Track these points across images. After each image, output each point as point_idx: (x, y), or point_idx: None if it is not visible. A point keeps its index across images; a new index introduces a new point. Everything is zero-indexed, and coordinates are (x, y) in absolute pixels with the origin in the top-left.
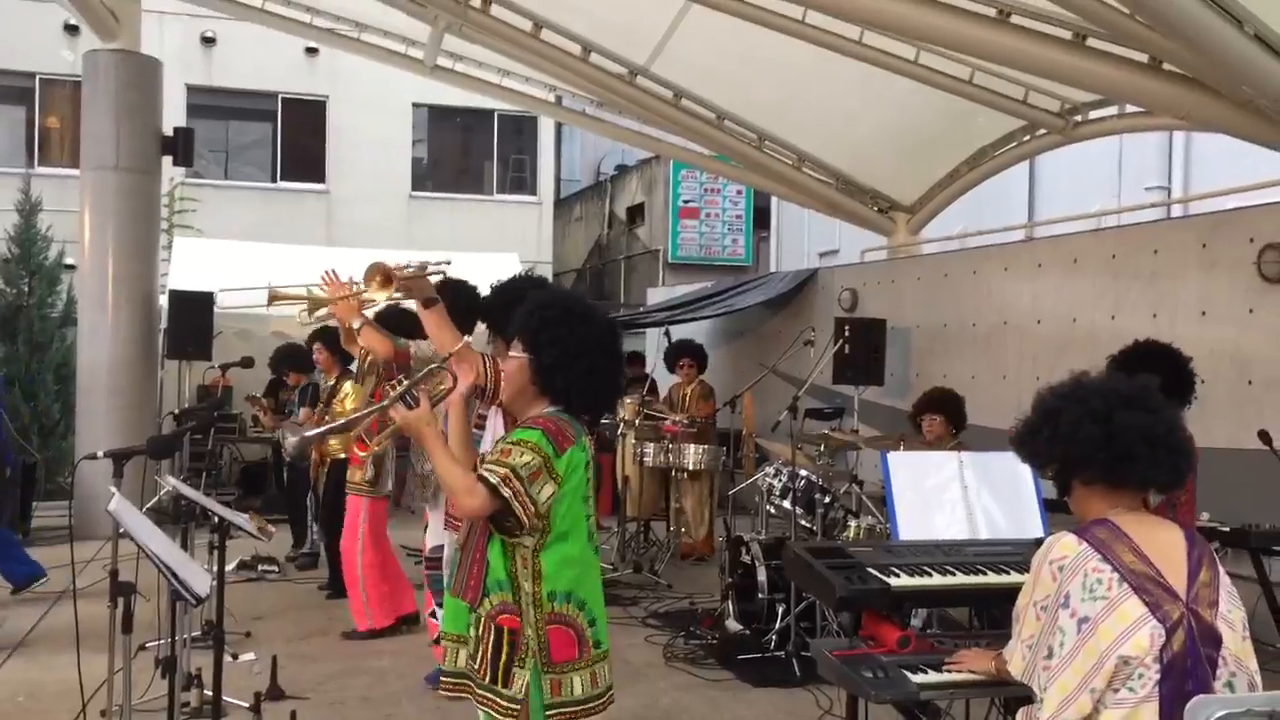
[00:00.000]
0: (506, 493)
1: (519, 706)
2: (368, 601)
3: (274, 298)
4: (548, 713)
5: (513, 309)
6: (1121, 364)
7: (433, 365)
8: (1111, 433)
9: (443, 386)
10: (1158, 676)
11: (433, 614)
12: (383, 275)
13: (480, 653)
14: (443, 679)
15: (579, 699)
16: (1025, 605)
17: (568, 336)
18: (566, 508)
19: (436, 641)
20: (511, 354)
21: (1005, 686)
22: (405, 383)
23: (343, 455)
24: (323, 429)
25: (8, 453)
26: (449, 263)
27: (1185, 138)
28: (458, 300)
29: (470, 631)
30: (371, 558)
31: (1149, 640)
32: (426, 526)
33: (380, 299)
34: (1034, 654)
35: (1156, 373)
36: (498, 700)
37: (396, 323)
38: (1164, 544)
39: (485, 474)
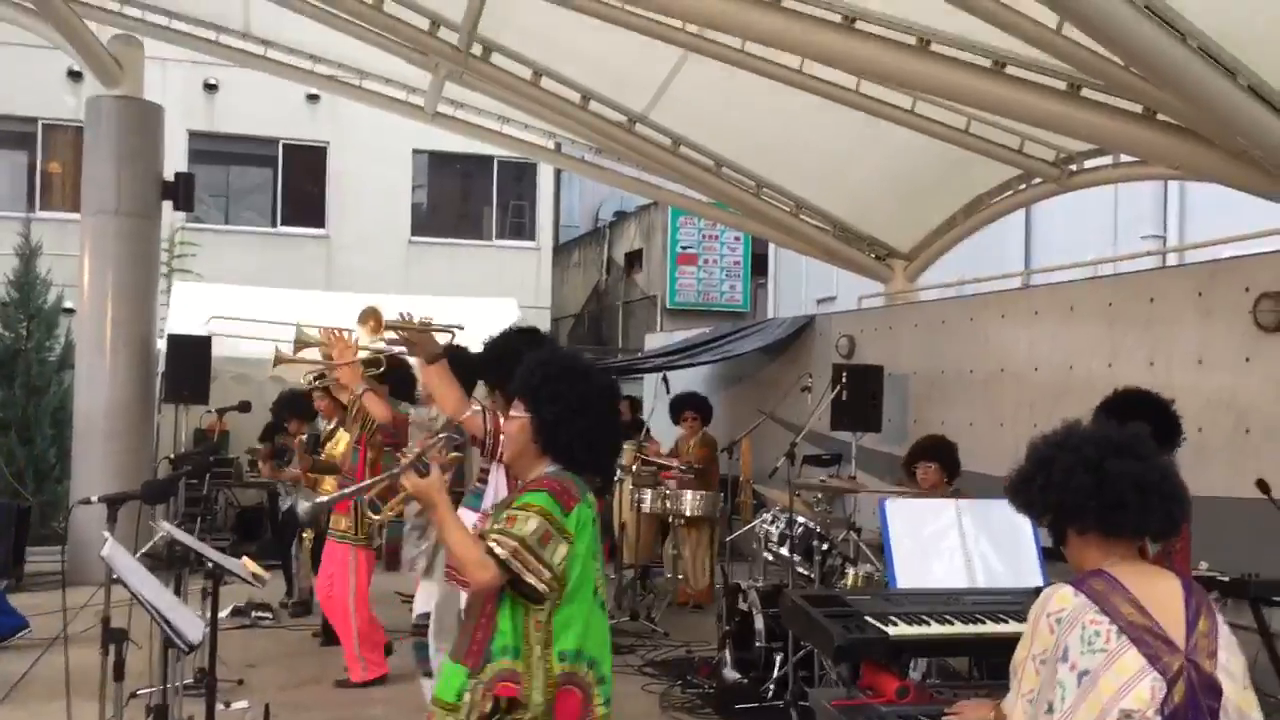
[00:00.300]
0: (516, 566)
1: None
2: (363, 655)
3: (279, 360)
4: None
5: (506, 362)
6: (1108, 412)
7: (444, 435)
8: (1103, 481)
9: (454, 454)
10: None
11: (428, 673)
12: (374, 320)
13: (468, 718)
14: None
15: None
16: (1024, 659)
17: (568, 393)
18: (580, 566)
19: None
20: (512, 414)
21: None
22: (416, 450)
23: None
24: (335, 496)
25: None
26: (461, 328)
27: (1180, 187)
28: (456, 364)
29: (464, 698)
30: (363, 607)
31: (1149, 693)
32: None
33: (368, 341)
34: (1035, 708)
35: (1142, 419)
36: None
37: (396, 380)
38: (1162, 594)
39: (493, 546)
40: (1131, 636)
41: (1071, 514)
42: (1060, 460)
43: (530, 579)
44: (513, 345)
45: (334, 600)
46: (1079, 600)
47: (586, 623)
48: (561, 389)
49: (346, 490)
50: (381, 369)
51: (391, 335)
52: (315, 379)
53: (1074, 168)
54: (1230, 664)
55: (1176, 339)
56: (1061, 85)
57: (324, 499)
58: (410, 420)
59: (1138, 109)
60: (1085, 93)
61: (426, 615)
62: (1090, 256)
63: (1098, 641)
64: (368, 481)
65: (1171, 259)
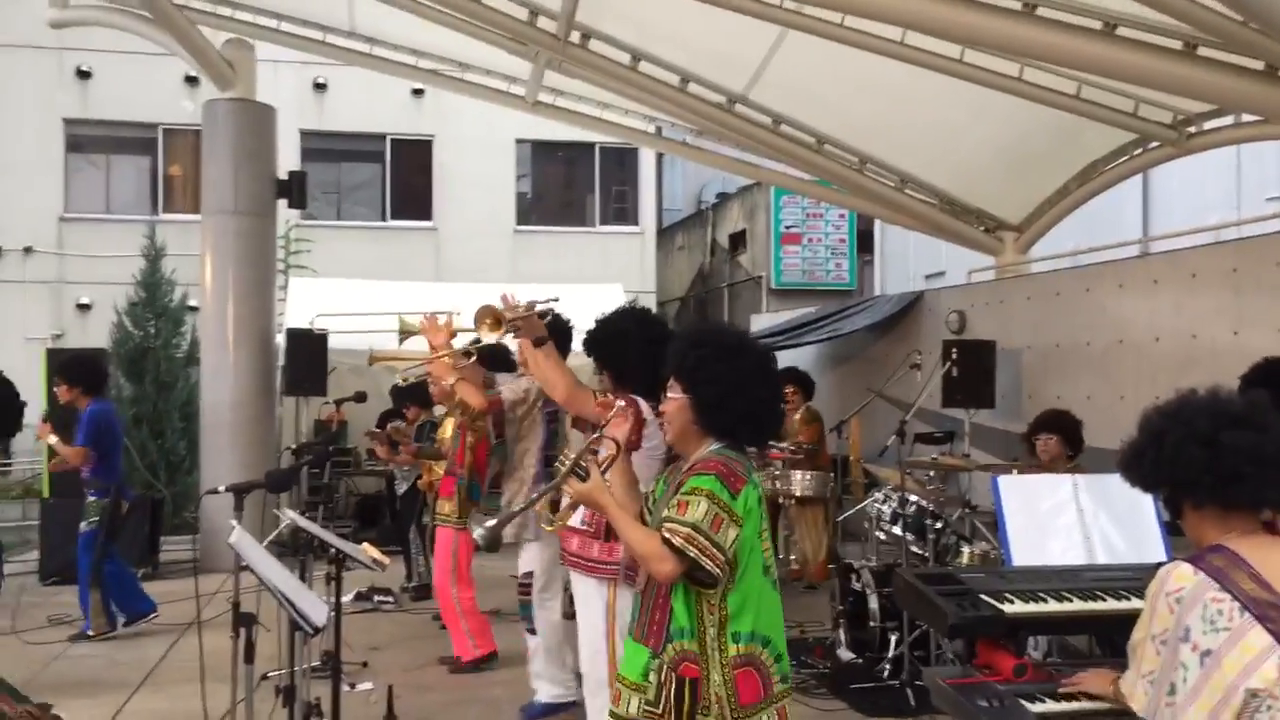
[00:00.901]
0: (693, 552)
1: None
2: (470, 632)
3: (374, 359)
4: None
5: (616, 342)
6: (1254, 383)
7: (594, 436)
8: (1217, 454)
9: (608, 454)
10: None
11: (531, 630)
12: (492, 318)
13: (663, 701)
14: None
15: None
16: (1142, 639)
17: (726, 372)
18: (749, 548)
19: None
20: (670, 395)
21: (1128, 716)
22: (573, 456)
23: None
24: (505, 516)
25: (125, 489)
26: (557, 299)
27: None
28: (552, 335)
29: (650, 678)
30: (465, 589)
31: (1276, 671)
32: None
33: (491, 340)
34: (1157, 689)
35: None
36: None
37: (490, 357)
38: None
39: (668, 536)
40: (1255, 613)
41: (1185, 489)
42: (1172, 433)
43: (707, 563)
44: (622, 326)
45: (439, 583)
46: (1199, 578)
47: (759, 603)
48: (719, 368)
49: (520, 508)
50: (472, 358)
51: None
52: (405, 379)
53: (1192, 130)
54: None
55: None
56: (1177, 45)
57: (492, 522)
58: (505, 401)
59: (1259, 66)
60: (1202, 51)
61: (530, 574)
62: (1213, 221)
63: (1220, 620)
64: (536, 495)
65: None
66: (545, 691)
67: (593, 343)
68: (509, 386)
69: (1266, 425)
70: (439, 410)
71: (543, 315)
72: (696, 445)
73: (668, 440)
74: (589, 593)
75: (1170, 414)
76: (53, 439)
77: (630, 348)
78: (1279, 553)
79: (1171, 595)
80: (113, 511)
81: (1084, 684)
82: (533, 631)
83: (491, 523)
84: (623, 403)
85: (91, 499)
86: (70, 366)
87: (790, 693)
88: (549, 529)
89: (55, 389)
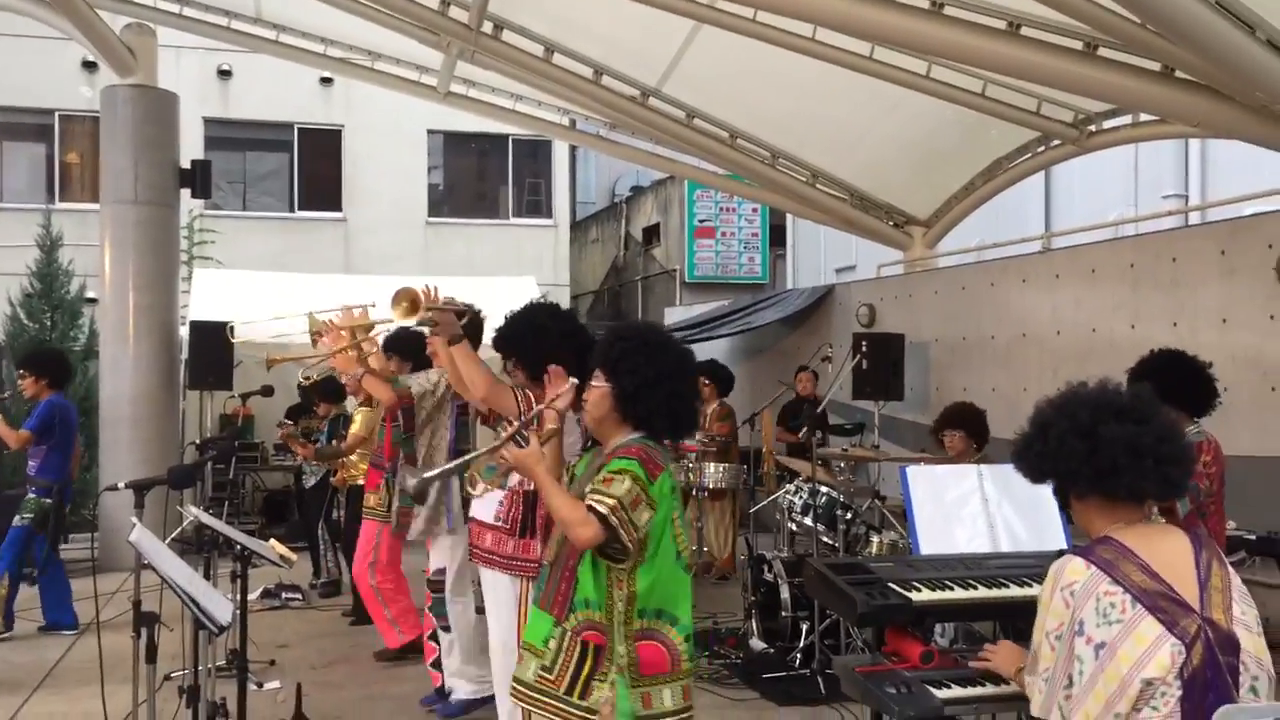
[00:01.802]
0: (615, 521)
1: (593, 717)
2: (393, 618)
3: (271, 362)
4: None
5: (532, 337)
6: (1141, 375)
7: (538, 409)
8: (1095, 446)
9: (550, 427)
10: (1180, 693)
11: (432, 636)
12: (410, 302)
13: (560, 665)
14: (513, 685)
15: (671, 710)
16: (1039, 640)
17: (645, 365)
18: (660, 531)
19: (435, 665)
20: (593, 384)
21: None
22: (515, 424)
23: (361, 482)
24: (441, 470)
25: (68, 490)
26: (479, 312)
27: (1201, 144)
28: (467, 331)
29: (550, 645)
30: (383, 576)
31: (1170, 659)
32: (429, 551)
33: (403, 323)
34: (1051, 687)
35: (1175, 382)
36: (571, 711)
37: (409, 347)
38: (1170, 554)
39: (594, 504)
40: (1146, 604)
41: (1068, 479)
42: (1056, 425)
43: (623, 535)
44: (537, 321)
45: (357, 573)
46: (1091, 572)
47: (669, 585)
48: (639, 361)
49: (454, 463)
50: (372, 330)
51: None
52: (307, 377)
53: (1093, 128)
54: (1245, 615)
55: (1200, 298)
56: (1078, 45)
57: (430, 474)
58: (413, 395)
59: (1156, 67)
60: (1102, 52)
61: (441, 571)
62: (1111, 218)
63: (1113, 613)
64: (474, 454)
65: (1194, 218)
66: (464, 690)
67: (506, 339)
68: (416, 379)
69: (1148, 418)
70: (351, 403)
71: (460, 314)
72: (614, 433)
73: (588, 425)
74: (501, 589)
75: (1057, 406)
76: None
77: (546, 342)
78: (1166, 541)
79: (1066, 589)
80: (56, 513)
81: (994, 660)
82: (446, 629)
83: (429, 474)
84: (574, 379)
85: (31, 495)
86: (37, 359)
87: (693, 674)
88: (474, 493)
89: (21, 380)
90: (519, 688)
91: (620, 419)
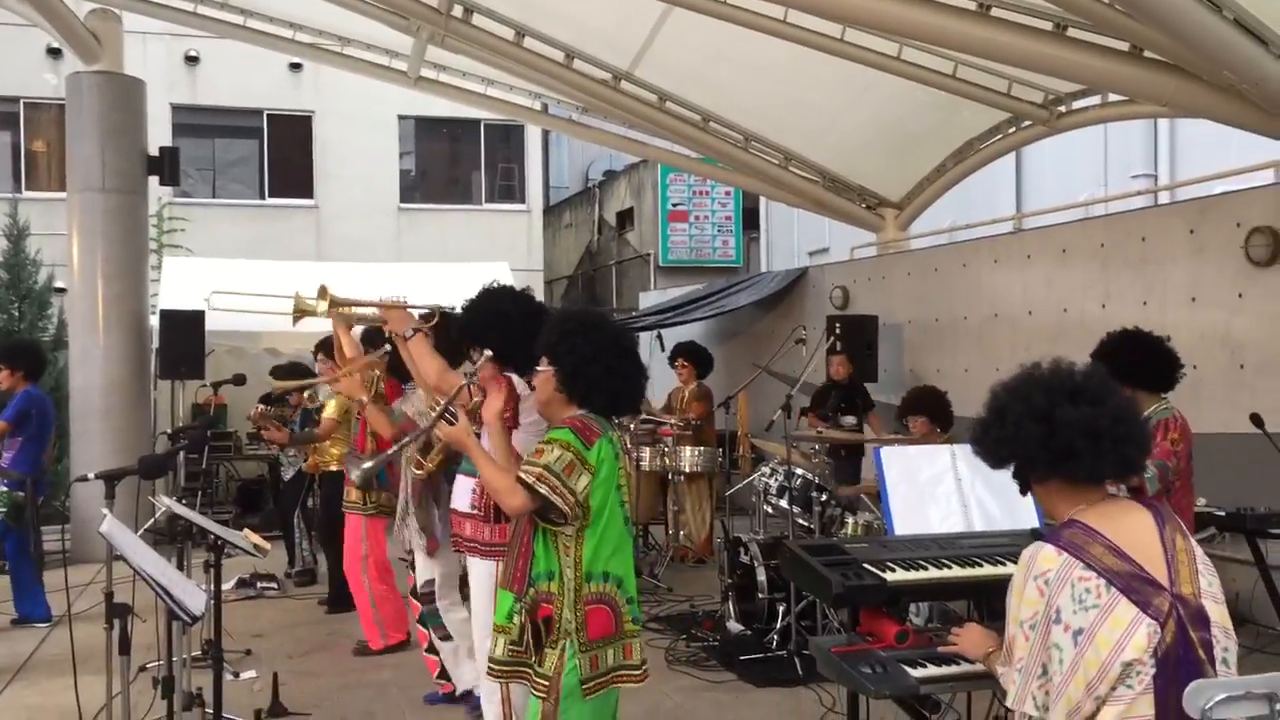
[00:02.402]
0: (543, 489)
1: (547, 683)
2: (382, 621)
3: (278, 392)
4: (585, 686)
5: (497, 323)
6: (1102, 356)
7: (461, 384)
8: (1052, 430)
9: (475, 399)
10: (1153, 670)
11: (429, 649)
12: (320, 290)
13: (523, 637)
14: (489, 664)
15: (613, 667)
16: (1012, 630)
17: (583, 344)
18: (602, 495)
19: (442, 676)
20: (539, 368)
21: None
22: (442, 404)
23: (334, 468)
24: (381, 457)
25: (41, 484)
26: (454, 308)
27: (1170, 125)
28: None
29: (514, 620)
30: (376, 575)
31: (1146, 639)
32: (413, 563)
33: (318, 311)
34: (1025, 677)
35: (1137, 360)
36: (534, 677)
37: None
38: (1135, 532)
39: (521, 474)
40: (1120, 586)
41: (1026, 463)
42: (1011, 410)
43: (557, 500)
44: (500, 307)
45: (349, 569)
46: (1063, 558)
47: (614, 546)
48: (577, 341)
49: (389, 451)
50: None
51: (363, 312)
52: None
53: (1063, 109)
54: (1211, 586)
55: (1169, 277)
56: (1047, 25)
57: (370, 463)
58: (409, 416)
59: (1124, 47)
60: (1071, 32)
61: (430, 582)
62: (1082, 198)
63: (1089, 598)
64: (407, 438)
65: (1163, 197)
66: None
67: (469, 328)
68: (411, 401)
69: (1103, 398)
70: (324, 393)
71: (428, 318)
72: (561, 412)
73: (536, 407)
74: (482, 574)
75: (1011, 390)
76: None
77: (511, 327)
78: (1127, 516)
79: (1040, 577)
80: (32, 506)
81: (961, 644)
82: (446, 638)
83: (368, 464)
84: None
85: (3, 489)
86: (13, 351)
87: (639, 633)
88: (419, 473)
89: None
90: (494, 666)
91: (565, 399)
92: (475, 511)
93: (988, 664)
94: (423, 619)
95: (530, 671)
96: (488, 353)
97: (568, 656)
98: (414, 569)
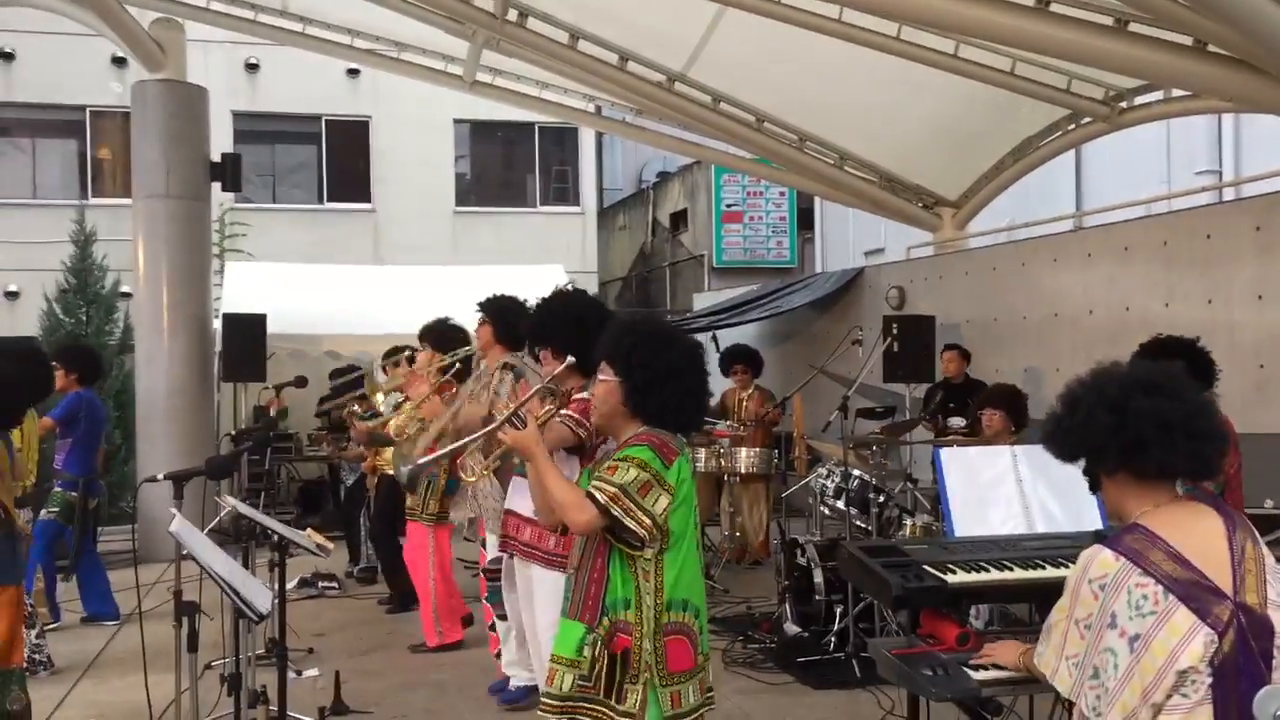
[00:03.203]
0: (616, 511)
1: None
2: (439, 618)
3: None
4: None
5: (569, 329)
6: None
7: (543, 385)
8: (1124, 420)
9: (547, 408)
10: (1209, 680)
11: (492, 626)
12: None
13: (595, 671)
14: (545, 700)
15: (694, 707)
16: (1060, 620)
17: (656, 360)
18: (682, 517)
19: (499, 656)
20: (601, 377)
21: None
22: (513, 406)
23: (390, 471)
24: (432, 456)
25: (95, 484)
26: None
27: (1235, 120)
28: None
29: (584, 652)
30: (440, 576)
31: (1203, 648)
32: (484, 541)
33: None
34: (1081, 672)
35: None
36: (614, 715)
37: (444, 338)
38: (1201, 538)
39: (594, 492)
40: (1178, 594)
41: (1095, 456)
42: (1084, 401)
43: (631, 524)
44: (577, 313)
45: (417, 572)
46: (1121, 564)
47: (692, 573)
48: (649, 355)
49: (443, 450)
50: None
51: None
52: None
53: (1124, 105)
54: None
55: (1235, 275)
56: (1108, 20)
57: (422, 460)
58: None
59: (1188, 41)
60: (1133, 27)
61: (498, 560)
62: (1144, 195)
63: (1145, 605)
64: (465, 440)
65: (1228, 194)
66: (522, 677)
67: (546, 329)
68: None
69: (1179, 393)
70: (385, 403)
71: (446, 369)
72: (624, 428)
73: (596, 421)
74: (548, 584)
75: (1086, 384)
76: None
77: (587, 335)
78: (1196, 521)
79: (1095, 582)
80: (82, 507)
81: (995, 656)
82: (503, 617)
83: (416, 464)
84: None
85: (57, 489)
86: (71, 353)
87: (708, 662)
88: (470, 479)
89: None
90: (551, 702)
91: (631, 414)
92: (539, 518)
93: (1024, 663)
94: (490, 595)
95: (606, 711)
96: (570, 359)
97: (650, 694)
98: (485, 547)
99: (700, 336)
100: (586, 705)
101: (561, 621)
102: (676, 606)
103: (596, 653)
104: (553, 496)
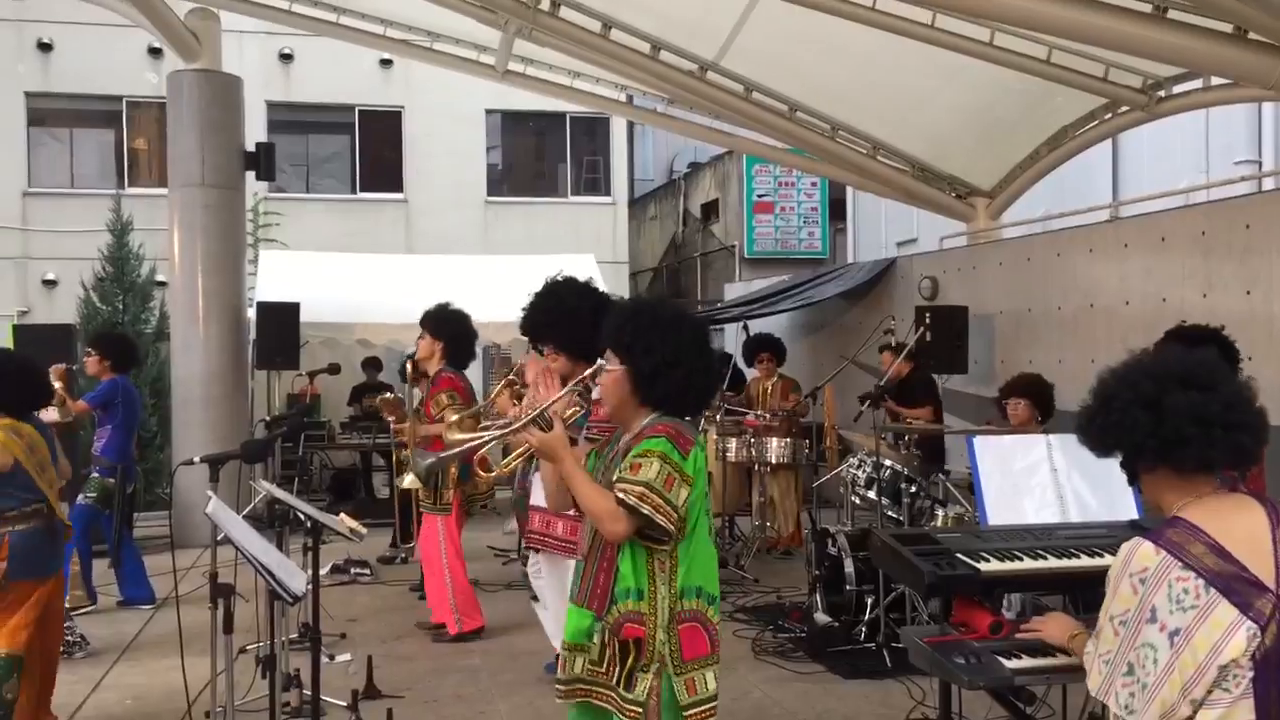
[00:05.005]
0: (646, 510)
1: (640, 709)
2: (457, 605)
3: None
4: (686, 713)
5: (561, 323)
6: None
7: (572, 385)
8: (1161, 417)
9: (573, 409)
10: (1251, 674)
11: (534, 597)
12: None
13: (605, 658)
14: (558, 685)
15: (712, 694)
16: (1105, 622)
17: (661, 344)
18: (698, 507)
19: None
20: (607, 366)
21: None
22: (539, 406)
23: None
24: (452, 452)
25: (132, 469)
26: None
27: (1275, 109)
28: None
29: (593, 639)
30: (455, 564)
31: (1245, 642)
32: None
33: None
34: (1111, 670)
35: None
36: (621, 702)
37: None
38: (1243, 530)
39: (621, 495)
40: (1220, 588)
41: (1134, 452)
42: (1119, 397)
43: (660, 520)
44: (568, 304)
45: (431, 563)
46: (1161, 557)
47: (707, 561)
48: (654, 340)
49: (463, 447)
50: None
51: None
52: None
53: (1162, 93)
54: None
55: (1274, 265)
56: (1146, 7)
57: (446, 454)
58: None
59: (1228, 28)
60: (1172, 14)
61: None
62: (1182, 185)
63: (1187, 599)
64: (486, 436)
65: (1268, 184)
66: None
67: (540, 326)
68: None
69: (1213, 384)
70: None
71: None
72: (634, 415)
73: (605, 411)
74: (566, 572)
75: (1119, 377)
76: (59, 384)
77: (581, 325)
78: (1239, 514)
79: (1135, 575)
80: (120, 493)
81: (1044, 630)
82: (535, 599)
83: (431, 460)
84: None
85: (95, 475)
86: (105, 339)
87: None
88: (485, 475)
89: (86, 359)
90: (564, 686)
91: (639, 401)
92: (548, 504)
93: (1072, 646)
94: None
95: (614, 696)
96: (600, 363)
97: (664, 681)
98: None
99: (731, 327)
100: (598, 689)
101: (570, 608)
102: (691, 594)
103: (605, 640)
104: (584, 505)
